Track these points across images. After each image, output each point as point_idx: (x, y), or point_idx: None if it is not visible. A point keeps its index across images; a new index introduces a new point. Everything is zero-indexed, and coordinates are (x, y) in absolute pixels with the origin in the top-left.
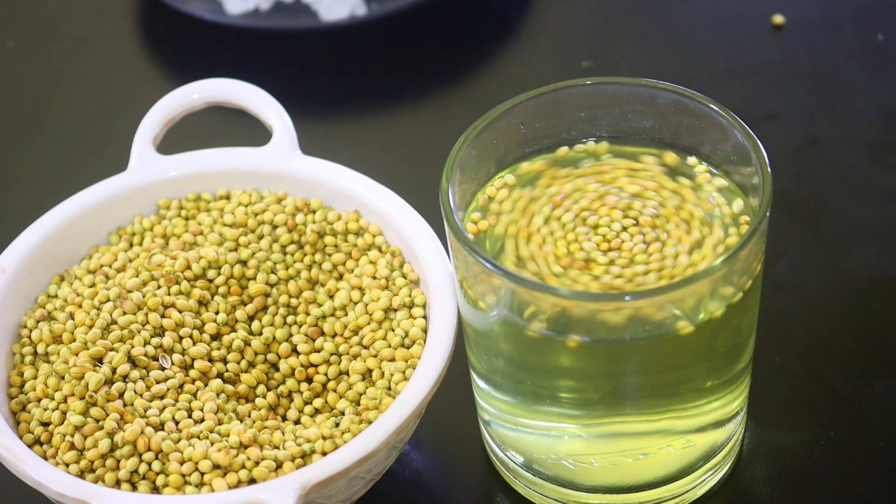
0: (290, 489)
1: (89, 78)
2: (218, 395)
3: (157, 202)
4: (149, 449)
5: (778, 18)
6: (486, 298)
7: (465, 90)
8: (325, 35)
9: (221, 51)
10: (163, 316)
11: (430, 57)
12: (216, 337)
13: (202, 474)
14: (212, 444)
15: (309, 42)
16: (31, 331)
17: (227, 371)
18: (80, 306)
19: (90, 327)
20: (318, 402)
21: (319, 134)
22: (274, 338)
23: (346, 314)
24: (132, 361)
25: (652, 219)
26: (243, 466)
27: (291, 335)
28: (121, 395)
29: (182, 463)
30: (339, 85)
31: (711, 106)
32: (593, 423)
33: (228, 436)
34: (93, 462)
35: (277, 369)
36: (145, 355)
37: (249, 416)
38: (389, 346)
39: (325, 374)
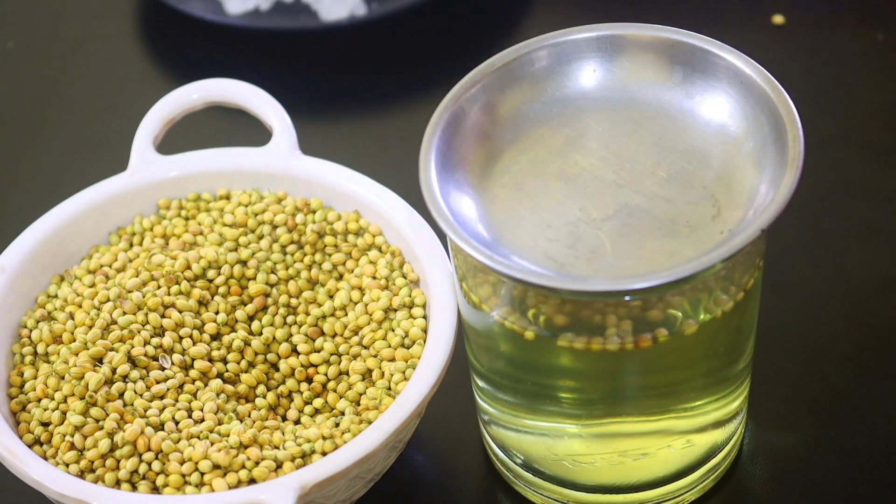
0: (289, 489)
1: (89, 78)
2: (218, 395)
3: (157, 202)
4: (149, 449)
5: (778, 18)
6: (486, 299)
7: None
8: (325, 35)
9: (221, 51)
10: (163, 316)
11: (431, 57)
12: (216, 337)
13: (202, 474)
14: (212, 444)
15: (309, 42)
16: (31, 331)
17: (227, 371)
18: (80, 306)
19: (90, 327)
20: (318, 402)
21: (319, 134)
22: (274, 338)
23: (346, 314)
24: (132, 361)
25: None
26: (243, 466)
27: (291, 335)
28: (121, 395)
29: (182, 463)
30: (339, 85)
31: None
32: (593, 423)
33: (228, 436)
34: (93, 462)
35: (277, 369)
36: (145, 355)
37: (249, 416)
38: (389, 346)
39: (325, 374)
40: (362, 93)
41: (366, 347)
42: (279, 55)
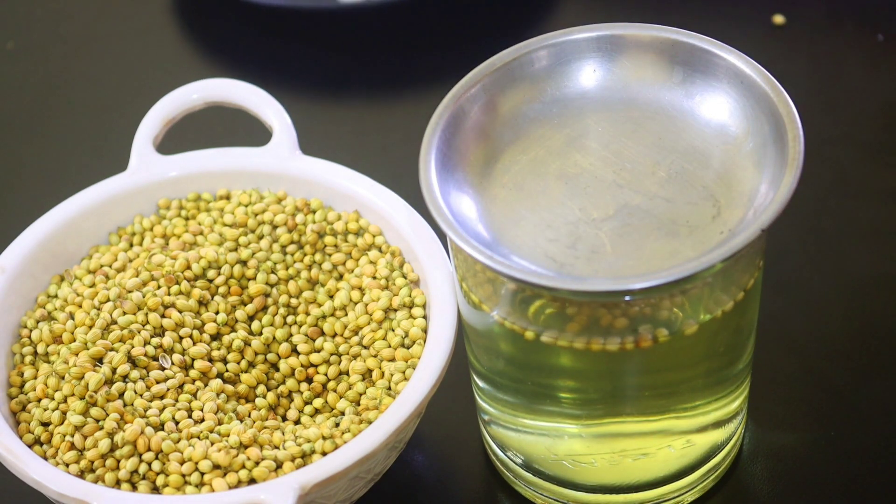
0: (289, 489)
1: (89, 78)
2: (218, 395)
3: (157, 202)
4: (149, 449)
5: (778, 18)
6: (486, 298)
7: None
8: (323, 18)
9: (224, 45)
10: (163, 316)
11: (432, 54)
12: (216, 337)
13: (202, 474)
14: (212, 444)
15: (308, 24)
16: (31, 331)
17: (227, 371)
18: (80, 306)
19: (90, 327)
20: (318, 402)
21: (319, 134)
22: (274, 338)
23: (346, 314)
24: (132, 361)
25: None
26: (243, 466)
27: (291, 335)
28: (121, 395)
29: (182, 463)
30: (339, 80)
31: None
32: (593, 423)
33: (228, 436)
34: (93, 462)
35: (277, 369)
36: (145, 355)
37: (249, 416)
38: (389, 346)
39: (325, 374)
40: (364, 91)
41: (366, 347)
42: (277, 34)
